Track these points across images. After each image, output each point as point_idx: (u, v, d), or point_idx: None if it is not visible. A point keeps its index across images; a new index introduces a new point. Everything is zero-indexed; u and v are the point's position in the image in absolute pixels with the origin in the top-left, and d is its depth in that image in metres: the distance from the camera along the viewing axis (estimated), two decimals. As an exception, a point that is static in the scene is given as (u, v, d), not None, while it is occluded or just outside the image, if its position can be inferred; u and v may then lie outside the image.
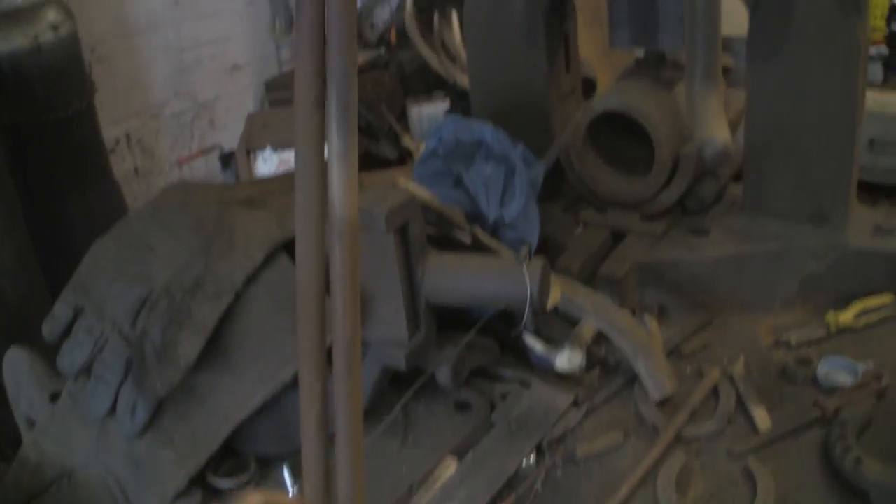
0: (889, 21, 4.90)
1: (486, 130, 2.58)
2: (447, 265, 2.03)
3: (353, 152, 1.03)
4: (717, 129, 1.93)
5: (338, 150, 1.03)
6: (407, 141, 5.04)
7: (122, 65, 5.21)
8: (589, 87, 3.84)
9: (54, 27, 4.15)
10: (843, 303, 2.45)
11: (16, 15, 4.05)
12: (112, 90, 5.10)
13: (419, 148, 4.98)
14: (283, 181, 2.46)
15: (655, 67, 2.75)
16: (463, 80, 4.86)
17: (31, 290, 3.86)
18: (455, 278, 2.02)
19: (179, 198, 2.30)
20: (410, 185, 2.32)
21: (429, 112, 5.09)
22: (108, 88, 5.00)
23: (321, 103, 1.02)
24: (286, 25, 5.88)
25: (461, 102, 4.99)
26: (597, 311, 2.23)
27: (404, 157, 5.06)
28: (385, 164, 4.98)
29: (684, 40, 2.04)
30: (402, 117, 5.29)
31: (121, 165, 5.14)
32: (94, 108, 4.52)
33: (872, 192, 5.01)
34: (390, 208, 1.90)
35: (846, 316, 2.40)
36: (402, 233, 1.97)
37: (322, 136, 1.03)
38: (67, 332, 2.19)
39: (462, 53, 4.93)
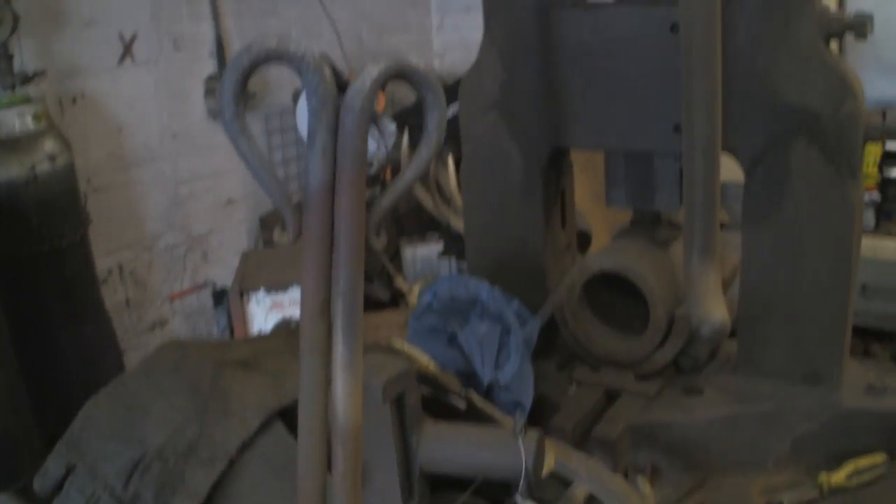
0: (881, 168, 4.98)
1: (482, 289, 2.59)
2: (443, 435, 2.03)
3: (357, 361, 1.03)
4: (714, 308, 1.95)
5: (343, 360, 1.03)
6: (400, 282, 5.05)
7: (117, 196, 5.22)
8: (584, 239, 3.87)
9: (51, 158, 4.16)
10: (835, 462, 2.44)
11: (13, 144, 4.06)
12: (106, 221, 5.11)
13: (412, 290, 4.99)
14: (278, 340, 2.47)
15: (651, 227, 2.79)
16: (457, 223, 4.89)
17: (20, 425, 3.83)
18: (450, 449, 2.02)
19: (174, 357, 2.30)
20: (406, 346, 2.33)
21: (422, 253, 5.12)
22: (102, 219, 5.00)
23: (326, 312, 1.03)
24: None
25: (455, 244, 5.02)
26: (590, 476, 2.21)
27: (397, 299, 5.06)
28: (378, 305, 4.98)
29: (683, 215, 2.06)
30: (396, 258, 5.30)
31: (112, 297, 5.12)
32: (88, 239, 4.51)
33: (864, 336, 5.04)
34: (387, 379, 1.90)
35: (839, 476, 2.40)
36: (399, 403, 1.97)
37: (327, 345, 1.04)
38: (59, 487, 2.17)
39: (457, 196, 4.97)
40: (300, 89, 4.90)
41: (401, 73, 0.98)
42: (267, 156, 1.09)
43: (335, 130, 0.97)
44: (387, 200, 1.02)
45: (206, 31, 5.73)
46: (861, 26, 2.30)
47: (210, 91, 5.69)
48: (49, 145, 4.21)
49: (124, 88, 5.17)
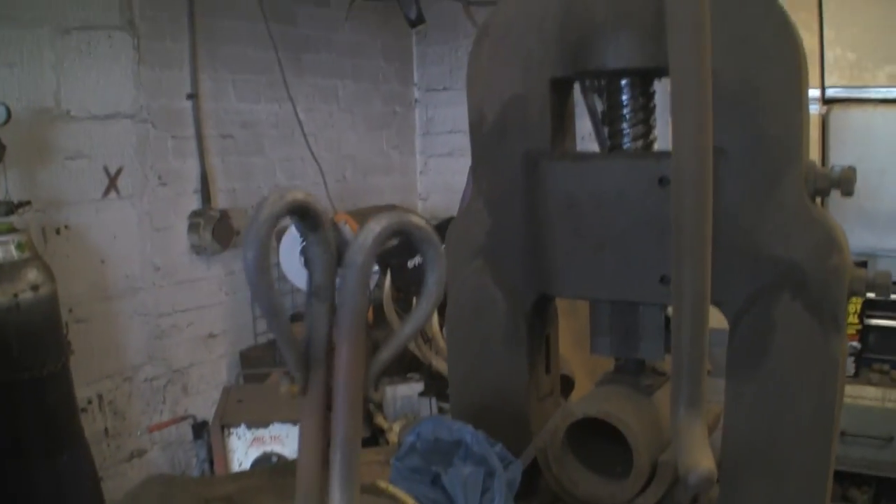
0: (861, 317, 5.07)
1: (466, 432, 2.60)
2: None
3: None
4: (701, 458, 1.97)
5: None
6: (380, 420, 5.06)
7: (98, 327, 5.26)
8: (567, 384, 3.90)
9: (34, 287, 4.21)
10: None
11: (-3, 272, 4.07)
12: (87, 351, 5.15)
13: (392, 428, 5.01)
14: (261, 478, 2.47)
15: (635, 374, 2.81)
16: (438, 363, 4.93)
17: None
18: None
19: (159, 491, 2.29)
20: (391, 488, 2.33)
21: (403, 392, 5.15)
22: (83, 349, 5.05)
23: (324, 460, 1.05)
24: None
25: (436, 385, 5.05)
26: None
27: (377, 436, 5.07)
28: (357, 442, 4.95)
29: (671, 366, 2.10)
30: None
31: (91, 426, 5.13)
32: (69, 370, 4.54)
33: (842, 481, 5.07)
34: (375, 523, 1.91)
35: None
36: (385, 546, 1.98)
37: (323, 493, 1.06)
38: None
39: (439, 338, 5.01)
40: (283, 228, 4.96)
41: (402, 231, 1.02)
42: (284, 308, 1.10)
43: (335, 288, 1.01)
44: (385, 354, 1.05)
45: (192, 168, 5.85)
46: (848, 183, 2.36)
47: (194, 226, 5.77)
48: (32, 275, 4.26)
49: (108, 221, 5.27)
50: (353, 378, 1.00)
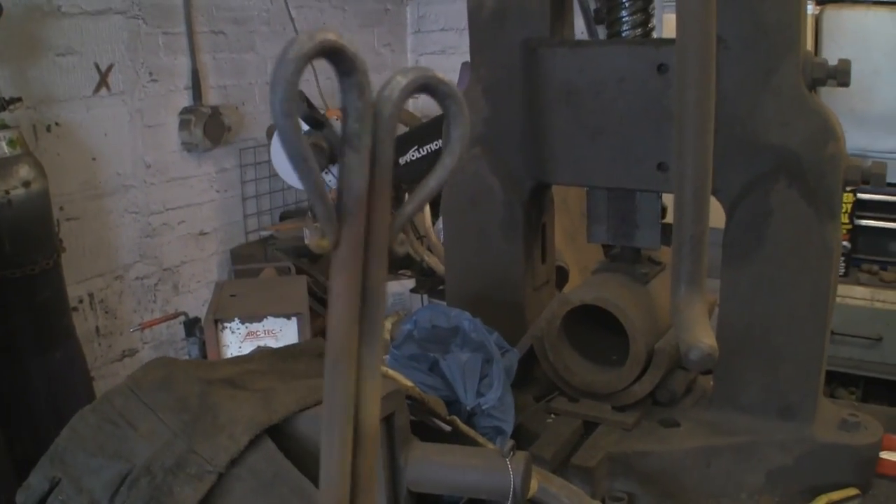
0: (851, 217, 5.10)
1: (463, 318, 2.63)
2: (430, 455, 2.05)
3: (379, 367, 1.06)
4: (702, 335, 1.98)
5: (368, 366, 1.06)
6: (372, 316, 5.07)
7: (89, 225, 5.24)
8: (561, 275, 3.91)
9: (26, 183, 4.18)
10: (808, 495, 2.48)
11: (-13, 169, 4.05)
12: (79, 249, 5.13)
13: (383, 325, 5.02)
14: (261, 361, 2.48)
15: (631, 262, 2.83)
16: (430, 259, 4.95)
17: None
18: (438, 469, 2.04)
19: (161, 374, 2.30)
20: (390, 372, 2.35)
21: (395, 289, 5.16)
22: (74, 247, 5.02)
23: (357, 319, 1.06)
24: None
25: (427, 281, 5.07)
26: (571, 501, 2.24)
27: (369, 332, 5.07)
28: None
29: (672, 245, 2.11)
30: (368, 292, 5.33)
31: (83, 325, 5.13)
32: (60, 267, 4.51)
33: (830, 381, 5.13)
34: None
35: (811, 509, 2.43)
36: (388, 422, 2.00)
37: (357, 352, 1.07)
38: (42, 502, 2.17)
39: (431, 233, 5.02)
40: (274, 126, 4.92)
41: (428, 86, 1.01)
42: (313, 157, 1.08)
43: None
44: (410, 208, 1.05)
45: (183, 64, 5.78)
46: (844, 74, 2.36)
47: (185, 123, 5.71)
48: (24, 171, 4.22)
49: (99, 118, 5.21)
50: (383, 230, 1.00)
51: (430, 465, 2.04)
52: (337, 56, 0.96)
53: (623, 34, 2.67)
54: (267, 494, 2.02)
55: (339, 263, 1.03)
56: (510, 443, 1.98)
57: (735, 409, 2.63)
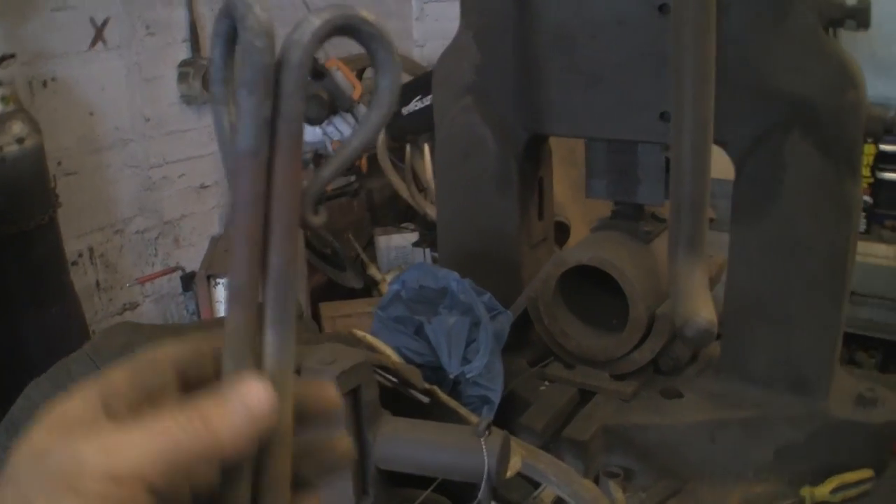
0: (874, 170, 4.90)
1: (451, 279, 2.49)
2: (401, 432, 1.90)
3: (289, 355, 0.90)
4: (700, 307, 1.82)
5: (273, 354, 0.90)
6: (373, 271, 5.02)
7: (88, 179, 5.22)
8: (562, 231, 3.79)
9: (20, 140, 4.19)
10: (819, 475, 2.33)
11: (-19, 126, 4.01)
12: (77, 204, 5.12)
13: (385, 279, 4.93)
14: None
15: (633, 220, 2.67)
16: (433, 213, 4.83)
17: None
18: (408, 447, 1.90)
19: (122, 340, 2.18)
20: (368, 336, 2.22)
21: (397, 243, 5.09)
22: (72, 202, 5.00)
23: (255, 298, 0.90)
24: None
25: (430, 234, 4.97)
26: (559, 479, 2.10)
27: (370, 288, 5.02)
28: (351, 293, 4.94)
29: (670, 205, 1.96)
30: (370, 246, 5.26)
31: (82, 279, 5.13)
32: (56, 222, 4.53)
33: (849, 344, 4.96)
34: (342, 371, 1.79)
35: (822, 490, 2.29)
36: (353, 396, 1.86)
37: (254, 338, 0.91)
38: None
39: (433, 185, 4.92)
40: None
41: (347, 27, 0.85)
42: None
43: (270, 90, 0.84)
44: (326, 171, 0.89)
45: (180, 17, 5.77)
46: (863, 14, 2.19)
47: (183, 76, 5.72)
48: (17, 127, 4.26)
49: (96, 72, 5.24)
50: (289, 199, 0.83)
51: (399, 442, 1.89)
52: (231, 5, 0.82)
53: (622, -28, 2.50)
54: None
55: (233, 237, 0.86)
56: (486, 420, 1.82)
57: (743, 380, 2.47)
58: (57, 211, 4.53)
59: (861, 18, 2.21)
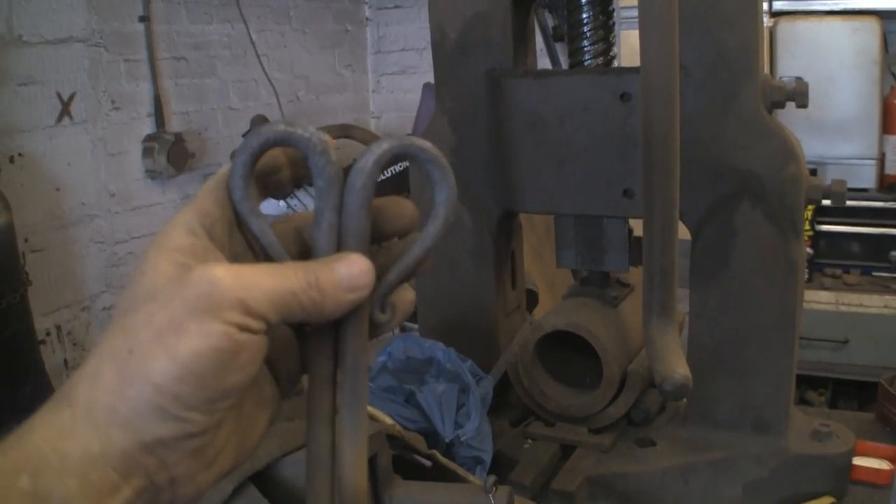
0: (812, 223, 5.19)
1: (437, 349, 2.65)
2: (414, 494, 2.07)
3: (363, 430, 1.06)
4: (676, 364, 2.02)
5: (350, 429, 1.07)
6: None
7: (54, 256, 5.23)
8: (531, 297, 3.94)
9: (-9, 218, 4.16)
10: (785, 505, 2.52)
11: (-48, 203, 4.06)
12: (45, 281, 5.11)
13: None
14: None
15: (600, 286, 2.86)
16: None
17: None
18: (422, 507, 2.06)
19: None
20: (369, 408, 2.37)
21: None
22: (40, 279, 5.01)
23: (332, 384, 1.06)
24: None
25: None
26: (552, 529, 2.28)
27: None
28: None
29: (643, 276, 2.14)
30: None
31: (50, 358, 5.11)
32: (27, 300, 4.50)
33: (799, 384, 5.19)
34: (361, 442, 1.94)
35: (789, 520, 2.47)
36: (371, 463, 2.01)
37: (333, 413, 1.08)
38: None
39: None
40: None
41: (406, 154, 1.02)
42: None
43: (339, 210, 1.01)
44: (393, 276, 1.06)
45: (145, 91, 5.78)
46: (802, 96, 2.41)
47: (148, 150, 5.72)
48: None
49: (62, 147, 5.21)
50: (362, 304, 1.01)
51: (415, 503, 2.06)
52: (293, 141, 0.96)
53: (585, 63, 2.70)
54: (253, 541, 2.03)
55: (315, 334, 1.04)
56: (492, 478, 2.00)
57: (709, 425, 2.66)
58: (27, 289, 4.52)
59: (800, 100, 2.43)
